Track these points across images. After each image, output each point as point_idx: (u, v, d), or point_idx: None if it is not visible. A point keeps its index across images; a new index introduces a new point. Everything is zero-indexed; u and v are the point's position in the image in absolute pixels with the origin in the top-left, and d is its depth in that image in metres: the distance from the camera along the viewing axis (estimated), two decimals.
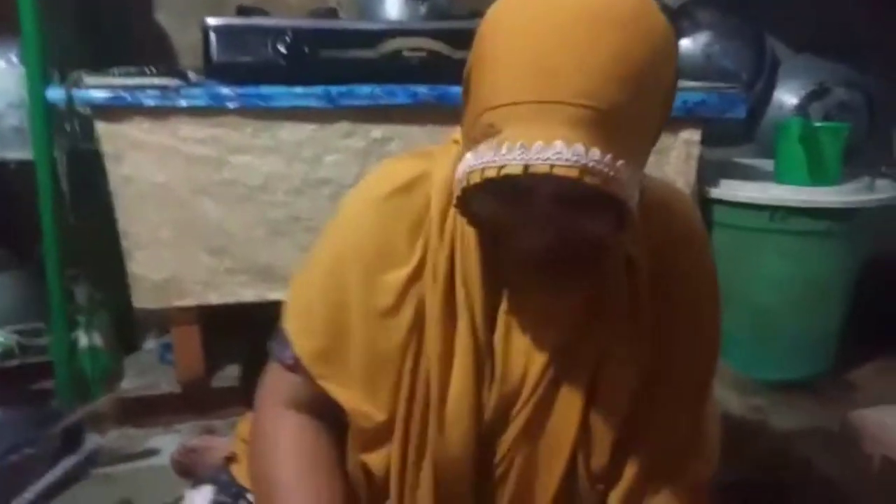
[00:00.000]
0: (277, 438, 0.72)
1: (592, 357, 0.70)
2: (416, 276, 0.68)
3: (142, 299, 1.34)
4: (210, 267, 1.36)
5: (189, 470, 1.14)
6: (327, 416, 0.74)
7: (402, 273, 0.68)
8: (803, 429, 1.49)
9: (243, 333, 1.70)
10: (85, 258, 1.54)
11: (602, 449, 0.71)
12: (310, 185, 1.36)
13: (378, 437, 0.72)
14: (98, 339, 1.44)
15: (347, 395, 0.70)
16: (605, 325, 0.69)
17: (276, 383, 0.75)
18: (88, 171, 1.37)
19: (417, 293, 0.69)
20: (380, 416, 0.71)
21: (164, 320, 1.64)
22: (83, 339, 1.42)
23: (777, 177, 1.67)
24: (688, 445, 0.74)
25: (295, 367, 0.73)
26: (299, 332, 0.72)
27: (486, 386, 0.70)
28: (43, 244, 1.37)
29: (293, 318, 0.73)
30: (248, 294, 1.39)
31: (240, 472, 0.85)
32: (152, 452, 1.38)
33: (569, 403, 0.70)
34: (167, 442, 1.42)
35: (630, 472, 0.72)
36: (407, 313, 0.69)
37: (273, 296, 1.40)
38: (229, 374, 1.51)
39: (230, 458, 0.90)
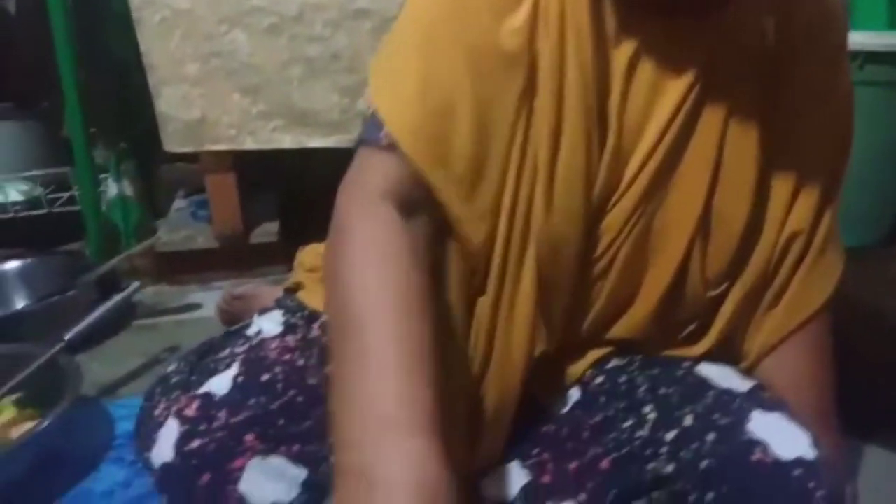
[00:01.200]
0: (362, 234, 0.61)
1: (717, 129, 0.60)
2: (530, 25, 0.59)
3: (172, 142, 1.24)
4: (242, 108, 1.25)
5: (235, 319, 1.08)
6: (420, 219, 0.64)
7: (516, 21, 0.58)
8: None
9: (281, 188, 1.63)
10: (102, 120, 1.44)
11: (723, 242, 0.63)
12: (348, 17, 1.22)
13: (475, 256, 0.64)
14: (127, 189, 1.35)
15: (448, 190, 0.61)
16: (732, 90, 0.60)
17: (364, 171, 0.64)
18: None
19: (530, 50, 0.58)
20: (479, 226, 0.63)
21: (193, 177, 1.57)
22: (112, 188, 1.34)
23: (854, 23, 1.50)
24: (816, 254, 0.66)
25: (389, 148, 0.62)
26: (392, 104, 0.62)
27: (596, 157, 0.61)
28: (62, 84, 1.26)
29: (383, 90, 0.63)
30: (285, 140, 1.29)
31: (308, 298, 0.78)
32: (194, 306, 1.33)
33: (689, 182, 0.62)
34: (207, 298, 1.37)
35: (751, 273, 0.64)
36: (519, 74, 0.58)
37: (312, 143, 1.29)
38: (268, 230, 1.42)
39: (294, 288, 0.83)
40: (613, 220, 0.64)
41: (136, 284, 1.03)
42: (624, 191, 0.64)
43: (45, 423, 0.78)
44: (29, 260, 1.27)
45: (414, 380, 0.56)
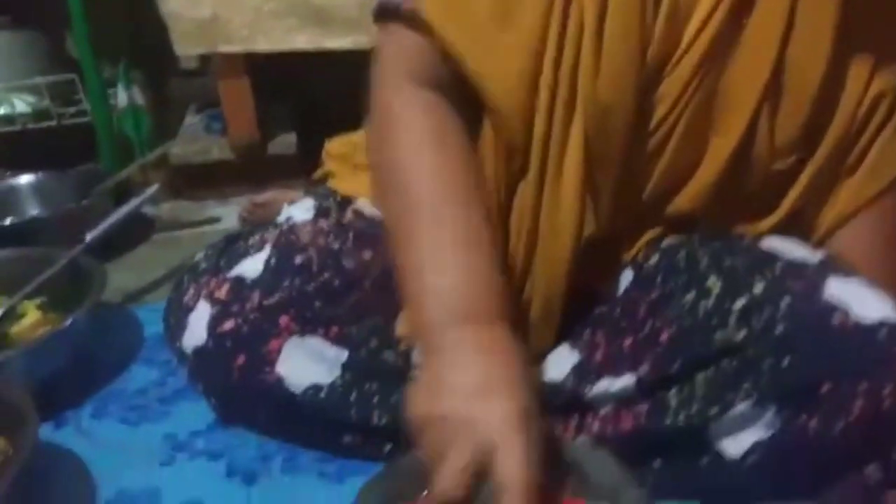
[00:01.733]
0: (405, 116, 0.59)
1: None
2: None
3: (183, 43, 1.17)
4: (255, 6, 1.18)
5: None
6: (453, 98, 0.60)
7: None
8: None
9: (297, 98, 1.56)
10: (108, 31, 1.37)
11: (796, 105, 0.58)
12: None
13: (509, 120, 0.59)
14: (138, 97, 1.30)
15: (465, 40, 0.56)
16: None
17: (396, 51, 0.61)
18: None
19: None
20: (508, 88, 0.58)
21: (204, 92, 1.51)
22: (122, 98, 1.28)
23: None
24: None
25: (410, 20, 0.58)
26: None
27: (651, 14, 0.56)
28: None
29: None
30: (300, 40, 1.21)
31: (340, 185, 0.74)
32: (213, 220, 1.30)
33: (758, 38, 0.57)
34: (226, 212, 1.33)
35: (831, 139, 0.59)
36: None
37: (330, 44, 1.22)
38: (285, 142, 1.37)
39: (322, 179, 0.79)
40: (671, 86, 0.58)
41: (155, 186, 0.99)
42: (683, 53, 0.58)
43: (72, 319, 0.76)
44: (42, 174, 1.23)
45: (482, 261, 0.54)
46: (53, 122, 1.30)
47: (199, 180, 1.38)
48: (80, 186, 1.19)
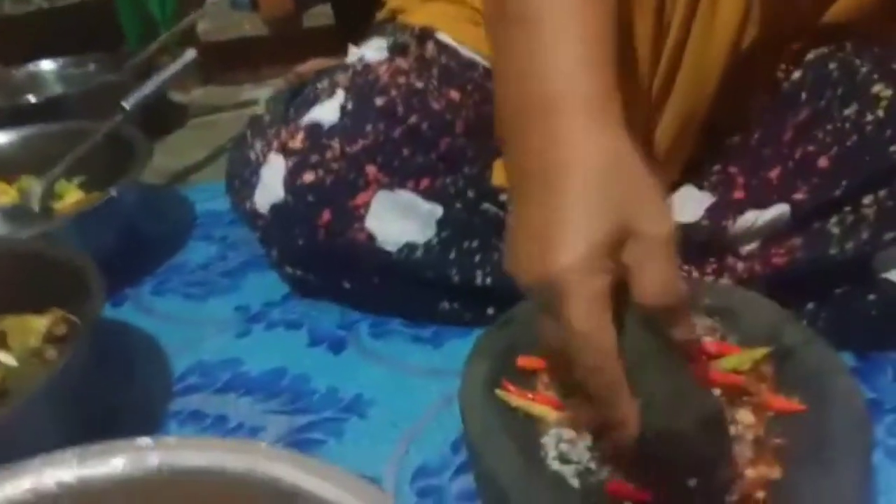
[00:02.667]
0: None
1: None
2: None
3: None
4: None
5: None
6: None
7: None
8: None
9: None
10: None
11: None
12: None
13: None
14: None
15: None
16: None
17: None
18: None
19: None
20: None
21: None
22: None
23: None
24: None
25: None
26: None
27: None
28: None
29: None
30: None
31: (414, 18, 0.64)
32: (250, 102, 1.20)
33: None
34: (263, 95, 1.23)
35: None
36: None
37: None
38: (322, 12, 1.25)
39: (389, 18, 0.69)
40: None
41: (192, 51, 0.89)
42: None
43: (119, 188, 0.68)
44: (64, 59, 1.13)
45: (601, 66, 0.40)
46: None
47: (232, 60, 1.27)
48: (105, 70, 1.10)
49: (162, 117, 1.14)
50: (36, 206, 0.74)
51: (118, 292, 0.70)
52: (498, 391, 0.45)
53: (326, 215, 0.57)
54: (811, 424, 0.40)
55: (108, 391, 0.58)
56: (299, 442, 0.51)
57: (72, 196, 0.80)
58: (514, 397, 0.44)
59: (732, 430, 0.41)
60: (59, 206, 0.77)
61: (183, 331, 0.64)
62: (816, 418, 0.40)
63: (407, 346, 0.60)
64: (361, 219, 0.57)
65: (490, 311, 0.58)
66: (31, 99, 0.97)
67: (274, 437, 0.52)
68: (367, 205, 0.57)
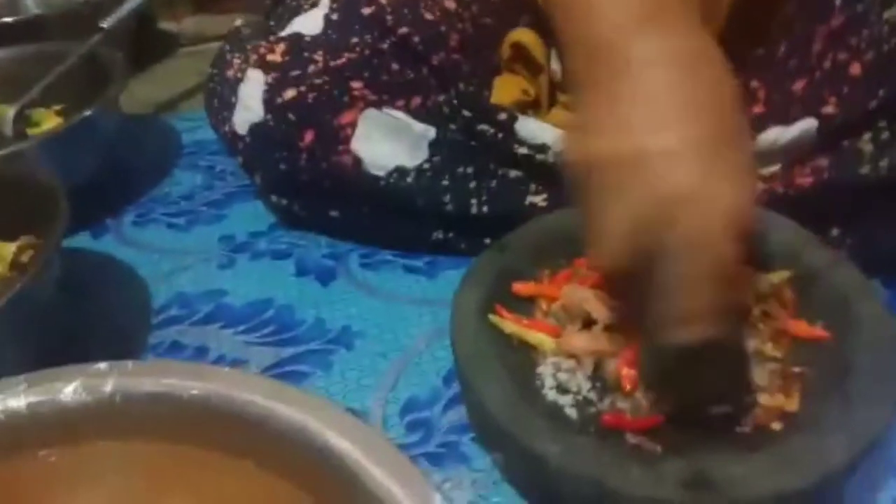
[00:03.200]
0: None
1: None
2: None
3: None
4: None
5: None
6: None
7: None
8: None
9: None
10: None
11: None
12: None
13: None
14: None
15: None
16: None
17: None
18: None
19: None
20: None
21: None
22: None
23: None
24: None
25: None
26: None
27: None
28: None
29: None
30: None
31: None
32: None
33: None
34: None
35: None
36: None
37: None
38: None
39: None
40: None
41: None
42: None
43: (95, 108, 0.64)
44: None
45: None
46: None
47: None
48: None
49: (151, 47, 1.09)
50: (9, 131, 0.70)
51: (99, 223, 0.67)
52: (491, 316, 0.41)
53: (309, 136, 0.53)
54: (835, 352, 0.37)
55: (85, 323, 0.55)
56: (284, 374, 0.48)
57: (49, 122, 0.76)
58: (508, 323, 0.41)
59: (751, 357, 0.37)
60: (35, 132, 0.73)
61: (164, 262, 0.61)
62: (841, 346, 0.37)
63: (399, 276, 0.56)
64: (347, 140, 0.53)
65: (487, 241, 0.54)
66: (8, 20, 0.91)
67: (257, 368, 0.49)
68: (352, 124, 0.53)
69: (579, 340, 0.39)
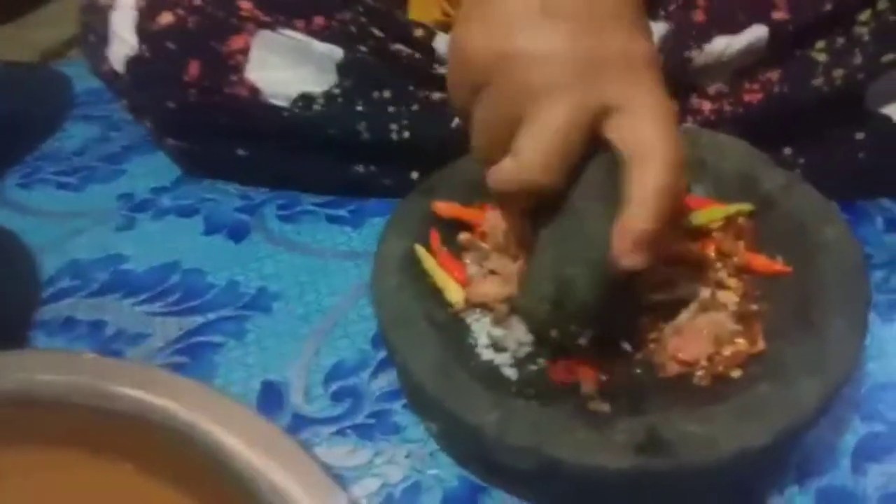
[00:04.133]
0: None
1: None
2: None
3: None
4: None
5: None
6: None
7: None
8: None
9: None
10: None
11: None
12: None
13: None
14: None
15: None
16: None
17: None
18: None
19: None
20: None
21: None
22: None
23: None
24: None
25: None
26: None
27: None
28: None
29: None
30: None
31: None
32: None
33: None
34: None
35: None
36: None
37: None
38: None
39: None
40: None
41: None
42: None
43: None
44: None
45: None
46: None
47: None
48: None
49: None
50: None
51: None
52: (417, 246, 0.37)
53: (194, 67, 0.46)
54: (796, 284, 0.34)
55: None
56: (192, 347, 0.43)
57: None
58: (428, 259, 0.36)
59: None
60: None
61: (54, 227, 0.53)
62: (802, 277, 0.34)
63: (321, 227, 0.50)
64: (240, 69, 0.46)
65: (414, 175, 0.49)
66: None
67: (162, 342, 0.43)
68: (244, 50, 0.46)
69: (487, 286, 0.35)
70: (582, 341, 0.31)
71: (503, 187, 0.30)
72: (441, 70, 0.46)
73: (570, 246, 0.30)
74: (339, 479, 0.35)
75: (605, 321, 0.31)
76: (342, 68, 0.47)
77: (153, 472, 0.25)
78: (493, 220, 0.37)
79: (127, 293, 0.47)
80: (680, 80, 0.43)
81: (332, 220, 0.51)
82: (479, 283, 0.36)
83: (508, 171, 0.29)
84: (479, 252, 0.38)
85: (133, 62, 0.47)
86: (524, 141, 0.29)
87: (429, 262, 0.36)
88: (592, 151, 0.29)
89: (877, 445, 0.34)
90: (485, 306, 0.36)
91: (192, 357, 0.42)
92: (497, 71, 0.29)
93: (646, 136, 0.28)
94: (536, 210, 0.32)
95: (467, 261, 0.38)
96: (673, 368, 0.32)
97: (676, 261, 0.35)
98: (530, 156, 0.28)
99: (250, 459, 0.23)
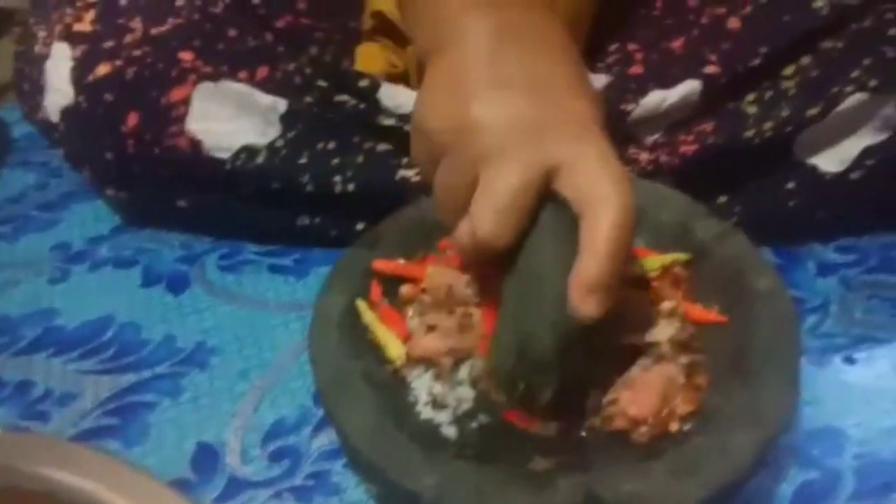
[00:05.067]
0: None
1: None
2: None
3: None
4: None
5: None
6: None
7: None
8: None
9: None
10: None
11: None
12: None
13: None
14: None
15: None
16: None
17: None
18: None
19: None
20: None
21: None
22: None
23: None
24: None
25: None
26: None
27: None
28: None
29: None
30: None
31: None
32: None
33: None
34: None
35: None
36: None
37: None
38: None
39: None
40: None
41: None
42: None
43: None
44: None
45: None
46: None
47: None
48: None
49: None
50: None
51: None
52: (359, 301, 0.36)
53: (133, 118, 0.45)
54: (731, 334, 0.34)
55: None
56: (124, 407, 0.41)
57: None
58: (367, 314, 0.36)
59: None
60: None
61: None
62: (736, 326, 0.34)
63: (263, 278, 0.49)
64: (181, 120, 0.45)
65: (360, 225, 0.48)
66: None
67: (91, 402, 0.41)
68: (185, 101, 0.45)
69: (428, 341, 0.34)
70: (547, 393, 0.31)
71: (461, 250, 0.31)
72: (386, 121, 0.46)
73: (530, 301, 0.31)
74: None
75: (570, 372, 0.31)
76: (286, 119, 0.46)
77: None
78: (435, 276, 0.37)
79: (57, 350, 0.45)
80: (617, 130, 0.44)
81: (275, 269, 0.50)
82: (420, 337, 0.35)
83: (463, 233, 0.30)
84: (421, 305, 0.37)
85: (69, 112, 0.46)
86: (477, 204, 0.29)
87: (368, 317, 0.36)
88: (549, 209, 0.30)
89: (813, 493, 0.34)
90: (428, 361, 0.35)
91: (122, 419, 0.40)
92: (454, 140, 0.30)
93: (595, 186, 0.28)
94: (500, 265, 0.32)
95: (410, 314, 0.38)
96: (620, 423, 0.32)
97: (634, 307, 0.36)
98: (483, 218, 0.29)
99: None
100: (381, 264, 0.38)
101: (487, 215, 0.29)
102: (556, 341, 0.30)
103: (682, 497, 0.27)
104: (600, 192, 0.28)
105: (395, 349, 0.35)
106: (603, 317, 0.28)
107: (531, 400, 0.32)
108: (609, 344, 0.33)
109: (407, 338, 0.35)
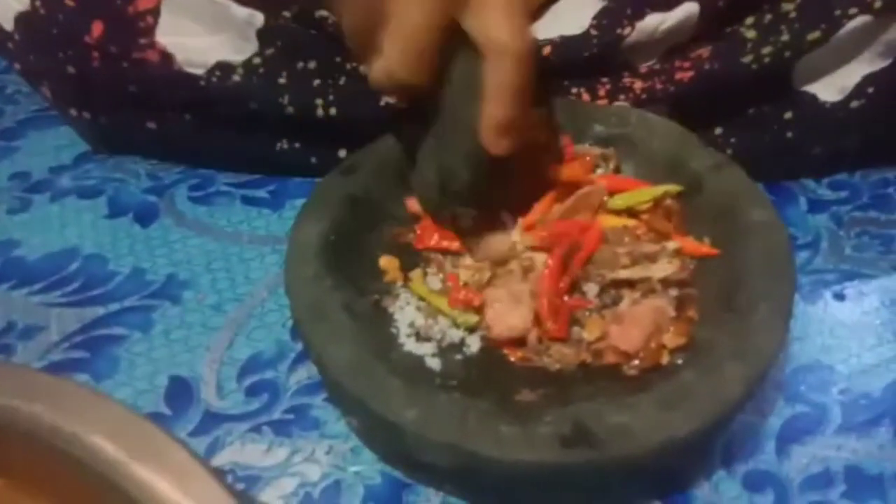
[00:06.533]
0: None
1: None
2: None
3: None
4: None
5: None
6: None
7: None
8: None
9: None
10: None
11: None
12: None
13: None
14: None
15: None
16: None
17: None
18: None
19: None
20: None
21: None
22: None
23: None
24: None
25: None
26: None
27: None
28: None
29: None
30: None
31: None
32: None
33: None
34: None
35: None
36: None
37: None
38: None
39: None
40: None
41: None
42: None
43: None
44: None
45: None
46: None
47: None
48: None
49: None
50: None
51: None
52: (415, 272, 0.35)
53: (97, 28, 0.42)
54: (723, 267, 0.33)
55: None
56: (93, 340, 0.39)
57: None
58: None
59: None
60: None
61: None
62: (729, 259, 0.33)
63: (237, 209, 0.47)
64: (150, 31, 0.42)
65: (342, 153, 0.46)
66: None
67: (58, 335, 0.39)
68: (154, 11, 0.42)
69: (515, 318, 0.32)
70: (469, 218, 0.36)
71: (378, 87, 0.33)
72: None
73: (448, 138, 0.34)
74: (253, 480, 0.33)
75: (486, 199, 0.35)
76: (263, 35, 0.43)
77: (27, 487, 0.23)
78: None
79: (20, 282, 0.43)
80: (612, 57, 0.42)
81: (249, 201, 0.48)
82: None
83: (378, 70, 0.32)
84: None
85: (24, 19, 0.42)
86: (387, 42, 0.31)
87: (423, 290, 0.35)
88: (463, 51, 0.32)
89: (800, 427, 0.34)
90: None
91: (91, 352, 0.39)
92: None
93: (495, 31, 0.30)
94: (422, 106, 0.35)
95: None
96: (610, 358, 0.31)
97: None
98: (394, 56, 0.31)
99: (135, 473, 0.20)
100: (422, 243, 0.37)
101: (398, 52, 0.31)
102: (473, 173, 0.34)
103: (670, 429, 0.26)
104: (501, 38, 0.30)
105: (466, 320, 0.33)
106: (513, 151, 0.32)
107: (454, 221, 0.36)
108: (520, 173, 0.36)
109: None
